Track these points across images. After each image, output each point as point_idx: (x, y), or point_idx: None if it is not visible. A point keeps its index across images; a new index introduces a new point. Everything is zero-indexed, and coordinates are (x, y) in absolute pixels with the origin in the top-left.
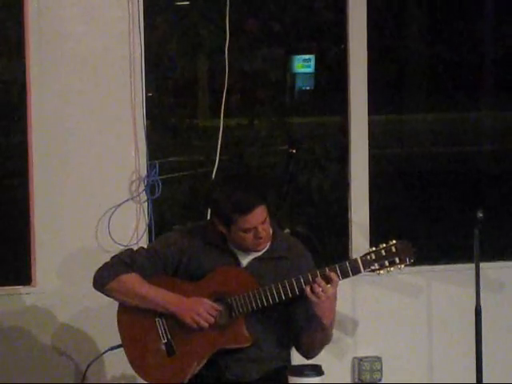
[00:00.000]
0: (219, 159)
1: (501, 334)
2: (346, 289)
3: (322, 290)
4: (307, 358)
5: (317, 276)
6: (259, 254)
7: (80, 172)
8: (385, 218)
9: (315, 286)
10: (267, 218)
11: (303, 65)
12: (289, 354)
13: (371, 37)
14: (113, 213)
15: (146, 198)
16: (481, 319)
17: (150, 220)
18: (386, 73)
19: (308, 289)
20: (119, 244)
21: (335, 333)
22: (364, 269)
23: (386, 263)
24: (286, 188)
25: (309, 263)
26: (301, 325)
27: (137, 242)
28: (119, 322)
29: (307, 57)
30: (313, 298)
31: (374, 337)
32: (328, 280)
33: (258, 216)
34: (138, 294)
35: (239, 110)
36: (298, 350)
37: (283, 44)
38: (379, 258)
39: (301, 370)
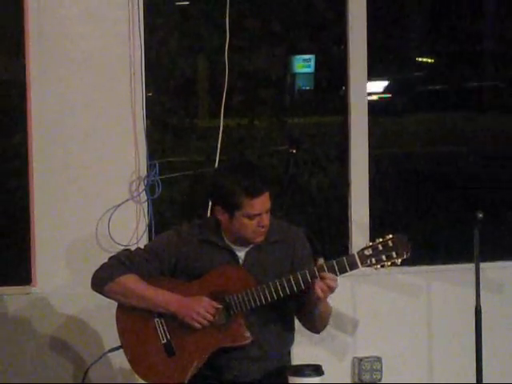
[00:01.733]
0: (219, 159)
1: (501, 334)
2: (345, 288)
3: (328, 287)
4: (316, 333)
5: (314, 274)
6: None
7: (80, 172)
8: (385, 218)
9: (325, 281)
10: (269, 210)
11: (303, 65)
12: (289, 353)
13: (371, 37)
14: (113, 213)
15: (146, 197)
16: (481, 319)
17: (150, 220)
18: (386, 73)
19: (318, 288)
20: (119, 244)
21: (335, 333)
22: (361, 264)
23: (383, 258)
24: (286, 188)
25: (304, 247)
26: (298, 308)
27: (137, 242)
28: (118, 322)
29: (307, 57)
30: (320, 293)
31: (374, 337)
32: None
33: (265, 202)
34: (137, 295)
35: (239, 109)
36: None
37: (283, 44)
38: (376, 253)
39: (301, 370)
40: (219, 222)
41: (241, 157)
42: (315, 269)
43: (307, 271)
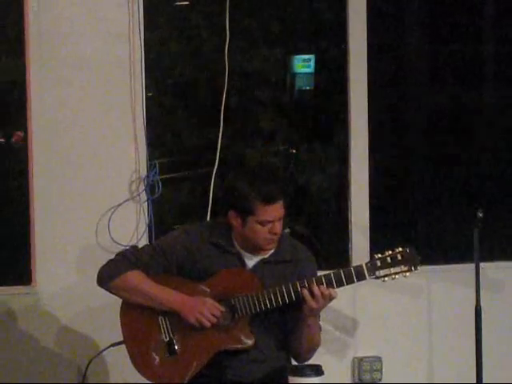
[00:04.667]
0: (219, 159)
1: (501, 334)
2: (346, 289)
3: (322, 296)
4: (298, 361)
5: (321, 281)
6: (265, 256)
7: (80, 172)
8: (385, 218)
9: (316, 290)
10: (282, 218)
11: (303, 65)
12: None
13: (371, 37)
14: (113, 213)
15: (145, 198)
16: (481, 319)
17: (150, 220)
18: (385, 73)
19: (308, 294)
20: (119, 244)
21: (335, 333)
22: (369, 275)
23: (392, 270)
24: (286, 188)
25: (312, 269)
26: (290, 326)
27: (137, 242)
28: (122, 319)
29: (307, 57)
30: (312, 303)
31: (374, 337)
32: (329, 285)
33: (279, 210)
34: (142, 292)
35: (239, 110)
36: (289, 353)
37: (283, 44)
38: (385, 265)
39: (301, 370)
40: (231, 226)
41: (261, 161)
42: (322, 276)
43: (314, 279)
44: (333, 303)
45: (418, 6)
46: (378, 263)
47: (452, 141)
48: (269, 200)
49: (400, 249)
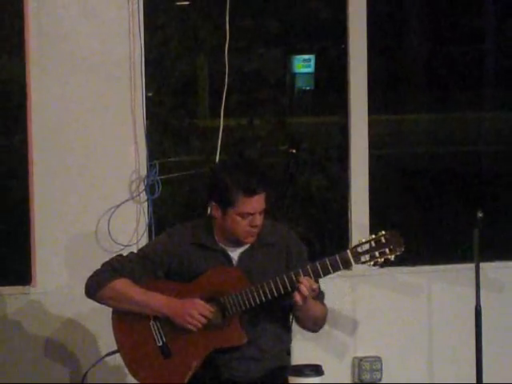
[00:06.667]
0: (219, 159)
1: (501, 333)
2: (345, 288)
3: (307, 289)
4: (312, 332)
5: (307, 273)
6: (247, 245)
7: (80, 172)
8: (385, 218)
9: (302, 288)
10: (263, 211)
11: (303, 65)
12: (288, 353)
13: (371, 37)
14: (113, 213)
15: (146, 197)
16: (481, 319)
17: (150, 220)
18: (385, 73)
19: (297, 297)
20: (119, 244)
21: (335, 333)
22: (355, 261)
23: (377, 254)
24: (286, 188)
25: (297, 244)
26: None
27: (137, 242)
28: (114, 327)
29: (307, 57)
30: (297, 297)
31: (374, 337)
32: (316, 275)
33: (259, 202)
34: (130, 299)
35: (239, 110)
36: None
37: (283, 44)
38: (369, 250)
39: (301, 370)
40: (212, 222)
41: (242, 155)
42: (308, 267)
43: (300, 270)
44: (333, 303)
45: (418, 6)
46: (363, 248)
47: (452, 140)
48: (250, 192)
49: (383, 232)
